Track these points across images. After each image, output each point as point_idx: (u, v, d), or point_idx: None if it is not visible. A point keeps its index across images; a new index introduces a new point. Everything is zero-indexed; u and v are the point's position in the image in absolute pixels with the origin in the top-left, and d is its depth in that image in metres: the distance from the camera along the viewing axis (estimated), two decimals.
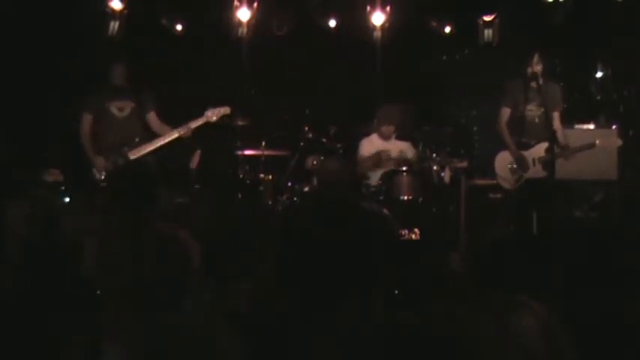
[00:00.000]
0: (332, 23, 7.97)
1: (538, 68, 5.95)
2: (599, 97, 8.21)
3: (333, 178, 4.90)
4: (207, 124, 6.09)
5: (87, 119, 6.04)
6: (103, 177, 5.91)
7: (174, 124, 6.14)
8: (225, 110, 6.13)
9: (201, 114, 6.08)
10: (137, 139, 5.98)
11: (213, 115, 6.05)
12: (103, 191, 5.85)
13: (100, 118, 6.04)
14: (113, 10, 7.35)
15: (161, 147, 6.03)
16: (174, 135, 6.01)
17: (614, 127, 7.21)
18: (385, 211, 5.70)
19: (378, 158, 6.67)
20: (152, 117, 6.13)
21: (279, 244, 2.41)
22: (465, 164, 6.67)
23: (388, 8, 7.58)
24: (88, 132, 6.03)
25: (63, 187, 6.40)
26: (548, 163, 6.04)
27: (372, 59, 7.66)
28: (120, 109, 6.05)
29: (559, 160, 6.10)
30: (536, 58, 5.93)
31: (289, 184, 6.66)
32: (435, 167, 6.52)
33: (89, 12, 7.36)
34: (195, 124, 6.02)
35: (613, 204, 7.02)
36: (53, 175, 6.37)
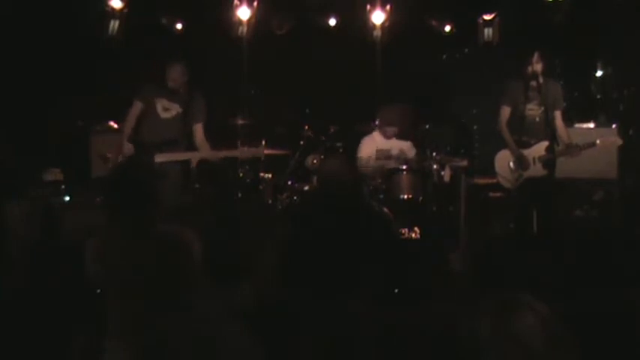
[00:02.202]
0: (332, 22, 7.98)
1: (538, 67, 5.95)
2: (599, 97, 8.21)
3: (334, 177, 4.91)
4: (237, 159, 6.05)
5: (137, 106, 5.89)
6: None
7: None
8: (259, 152, 6.05)
9: (235, 145, 6.03)
10: (167, 145, 5.83)
11: (245, 153, 5.99)
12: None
13: (145, 111, 5.90)
14: (113, 10, 7.35)
15: (184, 161, 5.91)
16: (201, 156, 5.89)
17: (614, 126, 7.22)
18: (385, 210, 5.70)
19: (376, 161, 6.71)
20: (198, 128, 5.96)
21: (279, 243, 2.41)
22: (465, 163, 6.67)
23: (388, 7, 7.58)
24: (134, 120, 5.87)
25: (63, 187, 6.40)
26: (548, 162, 6.04)
27: (372, 59, 7.67)
28: (165, 109, 5.90)
29: (560, 159, 6.11)
30: (536, 56, 5.93)
31: (289, 183, 6.67)
32: (435, 166, 6.52)
33: (90, 11, 7.36)
34: (226, 154, 5.93)
35: (613, 203, 7.02)
36: (53, 175, 6.37)
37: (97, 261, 2.71)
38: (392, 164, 6.61)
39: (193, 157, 5.92)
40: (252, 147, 6.05)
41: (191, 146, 5.99)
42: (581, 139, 6.20)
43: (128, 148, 5.77)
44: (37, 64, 7.22)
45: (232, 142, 6.93)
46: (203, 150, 5.91)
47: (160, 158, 5.74)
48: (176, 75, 5.90)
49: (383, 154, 6.80)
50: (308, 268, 2.39)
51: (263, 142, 6.79)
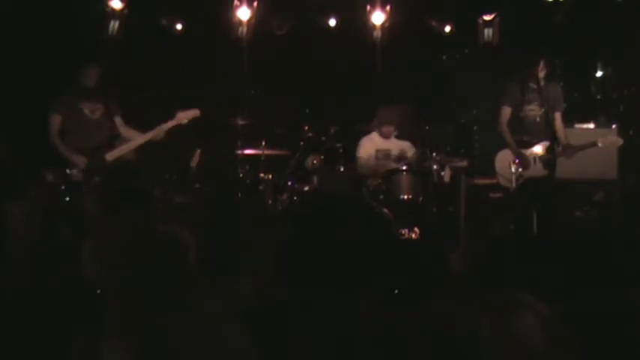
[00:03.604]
0: (332, 23, 7.98)
1: (542, 74, 5.97)
2: (599, 97, 8.21)
3: (335, 177, 4.93)
4: (179, 126, 6.07)
5: (56, 120, 5.96)
6: (82, 177, 5.84)
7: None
8: (194, 113, 6.10)
9: (173, 116, 6.05)
10: (111, 141, 5.96)
11: (184, 117, 6.04)
12: (87, 191, 5.78)
13: (72, 120, 5.98)
14: (113, 10, 7.35)
15: (136, 149, 5.99)
16: (148, 137, 5.99)
17: (614, 126, 7.22)
18: (385, 210, 5.70)
19: (376, 161, 6.71)
20: (119, 121, 6.12)
21: (279, 243, 2.41)
22: (465, 163, 6.67)
23: (388, 8, 7.58)
24: (57, 133, 5.96)
25: (63, 187, 6.40)
26: (548, 162, 6.05)
27: (372, 59, 7.66)
28: (92, 111, 6.00)
29: (559, 159, 6.11)
30: (542, 65, 5.94)
31: (289, 183, 6.66)
32: (435, 167, 6.51)
33: (90, 11, 7.36)
34: (167, 126, 6.00)
35: (613, 204, 7.02)
36: (53, 175, 6.36)
37: (97, 261, 2.71)
38: (391, 164, 6.61)
39: (139, 141, 6.00)
40: (189, 110, 6.08)
41: (122, 139, 6.08)
42: (581, 140, 6.21)
43: (79, 159, 5.85)
44: (37, 64, 7.21)
45: (231, 142, 6.91)
46: (137, 136, 6.03)
47: (111, 157, 5.86)
48: (95, 75, 5.99)
49: (382, 154, 6.80)
50: (307, 268, 2.39)
51: (263, 143, 6.80)
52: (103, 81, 6.07)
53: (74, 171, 5.85)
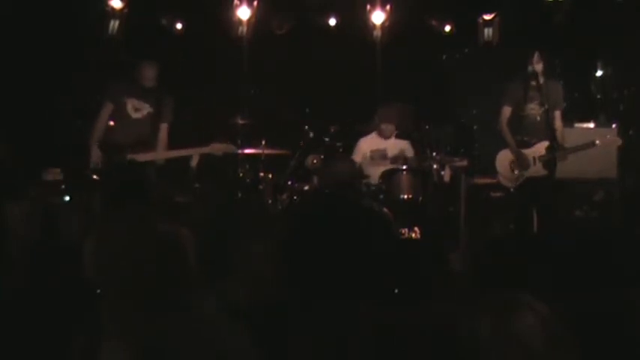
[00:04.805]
0: (332, 22, 7.98)
1: (538, 67, 5.95)
2: (599, 97, 8.21)
3: (334, 177, 4.92)
4: (210, 155, 6.02)
5: (108, 108, 5.88)
6: (94, 169, 5.76)
7: (175, 125, 6.11)
8: (230, 148, 6.09)
9: (206, 141, 5.99)
10: (140, 145, 5.84)
11: (218, 149, 5.98)
12: (95, 186, 5.74)
13: (113, 112, 5.91)
14: (113, 10, 7.35)
15: (154, 161, 5.92)
16: (174, 155, 5.95)
17: (614, 126, 7.22)
18: (385, 210, 5.70)
19: (372, 161, 6.70)
20: (164, 128, 6.01)
21: (279, 242, 2.41)
22: (465, 163, 6.67)
23: (388, 7, 7.59)
24: (105, 121, 5.87)
25: (63, 187, 6.40)
26: (548, 161, 6.05)
27: (372, 59, 7.67)
28: (135, 109, 5.90)
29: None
30: (536, 56, 5.93)
31: (289, 183, 6.67)
32: (435, 166, 6.52)
33: (90, 11, 7.36)
34: (197, 151, 5.93)
35: (613, 203, 7.02)
36: (53, 175, 6.36)
37: (96, 261, 2.71)
38: (387, 165, 6.61)
39: (166, 155, 5.96)
40: (225, 143, 6.05)
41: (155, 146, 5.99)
42: (581, 139, 6.21)
43: (96, 154, 5.77)
44: (38, 63, 7.21)
45: (231, 142, 6.93)
46: (162, 149, 5.94)
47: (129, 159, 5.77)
48: (152, 74, 5.91)
49: (378, 155, 6.79)
50: (307, 268, 2.39)
51: (263, 142, 6.80)
52: (160, 82, 5.97)
53: (93, 165, 5.77)
